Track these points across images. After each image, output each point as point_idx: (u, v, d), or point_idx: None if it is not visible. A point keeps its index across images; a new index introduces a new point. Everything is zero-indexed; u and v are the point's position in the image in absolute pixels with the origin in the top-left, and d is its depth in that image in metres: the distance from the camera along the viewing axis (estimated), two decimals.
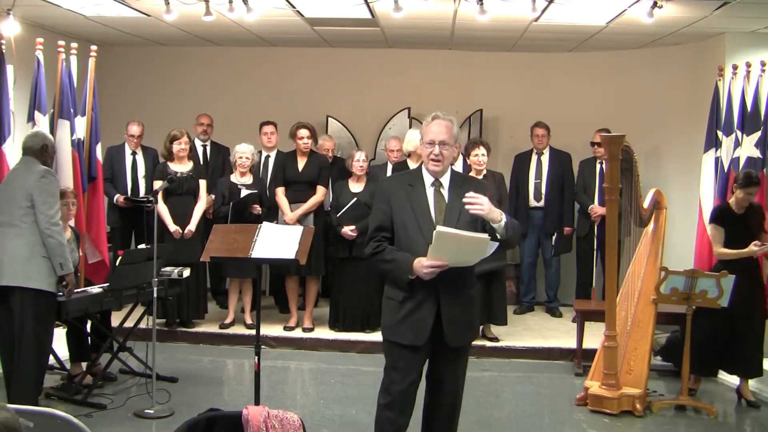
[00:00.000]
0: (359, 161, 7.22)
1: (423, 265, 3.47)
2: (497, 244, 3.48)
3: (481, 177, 6.84)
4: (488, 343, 7.08)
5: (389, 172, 7.53)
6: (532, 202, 8.25)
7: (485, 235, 3.44)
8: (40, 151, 5.15)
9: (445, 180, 3.72)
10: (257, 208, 7.13)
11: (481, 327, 7.18)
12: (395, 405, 3.71)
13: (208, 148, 8.21)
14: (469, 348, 3.86)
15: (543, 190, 8.21)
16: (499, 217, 3.48)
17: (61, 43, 6.49)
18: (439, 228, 3.43)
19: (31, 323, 4.89)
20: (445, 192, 3.69)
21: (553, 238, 8.30)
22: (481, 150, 6.87)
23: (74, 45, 6.65)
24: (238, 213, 7.07)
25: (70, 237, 5.73)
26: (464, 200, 3.47)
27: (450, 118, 3.71)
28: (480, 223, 3.58)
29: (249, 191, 7.19)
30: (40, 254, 4.92)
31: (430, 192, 3.69)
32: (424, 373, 3.82)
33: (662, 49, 8.15)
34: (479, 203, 3.45)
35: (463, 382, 3.84)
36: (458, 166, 7.83)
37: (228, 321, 7.43)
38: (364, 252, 3.81)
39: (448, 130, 3.67)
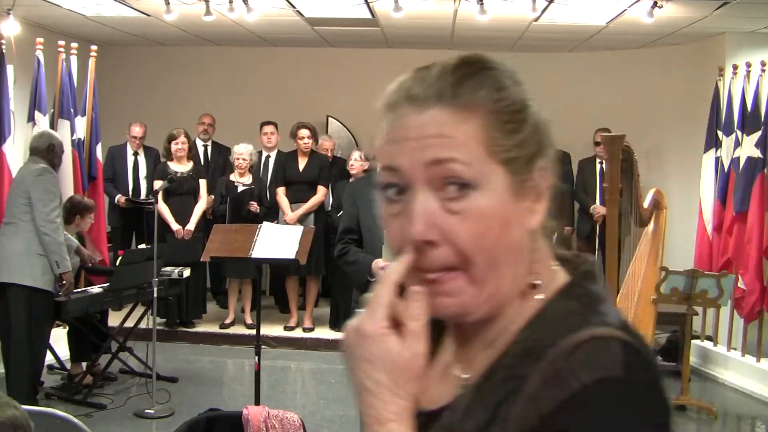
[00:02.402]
0: (351, 160, 7.22)
1: (378, 266, 3.36)
2: None
3: None
4: None
5: None
6: None
7: None
8: (46, 150, 5.17)
9: None
10: (254, 205, 7.13)
11: None
12: None
13: (209, 148, 8.22)
14: None
15: None
16: None
17: (62, 43, 6.49)
18: None
19: (24, 321, 4.90)
20: None
21: (553, 238, 8.29)
22: None
23: (74, 45, 6.65)
24: (235, 210, 7.08)
25: (74, 237, 5.74)
26: None
27: None
28: None
29: (245, 186, 7.21)
30: (36, 252, 4.93)
31: None
32: None
33: (662, 49, 8.14)
34: None
35: None
36: None
37: (228, 321, 7.44)
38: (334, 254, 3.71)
39: None
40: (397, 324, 0.88)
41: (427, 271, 0.87)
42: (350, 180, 7.28)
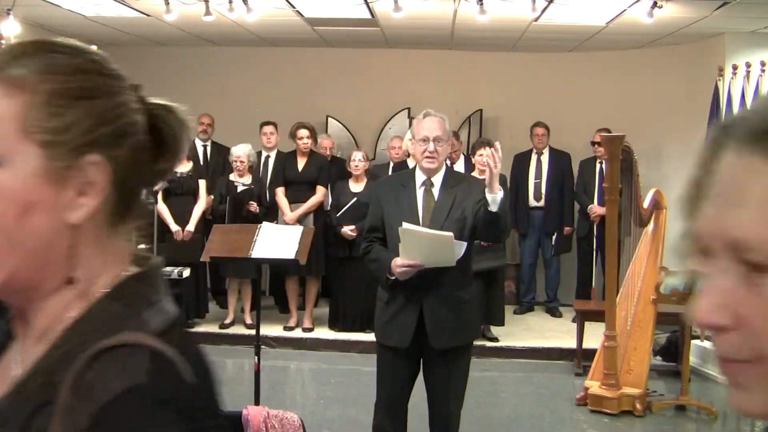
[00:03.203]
0: (355, 161, 7.22)
1: (396, 264, 3.42)
2: (465, 243, 3.40)
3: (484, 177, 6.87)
4: (488, 343, 7.08)
5: (390, 172, 7.56)
6: (532, 202, 8.24)
7: (449, 233, 3.38)
8: None
9: (438, 179, 3.62)
10: (254, 205, 7.13)
11: (480, 327, 7.19)
12: (383, 408, 3.65)
13: (209, 148, 8.22)
14: (464, 351, 3.67)
15: (543, 190, 8.21)
16: (497, 190, 3.40)
17: None
18: (404, 225, 3.39)
19: None
20: (435, 191, 3.60)
21: (553, 237, 8.30)
22: (487, 151, 6.87)
23: None
24: (234, 209, 7.07)
25: None
26: (486, 155, 3.39)
27: (441, 116, 3.64)
28: (468, 224, 3.50)
29: (245, 186, 7.22)
30: None
31: (420, 192, 3.61)
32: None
33: (662, 49, 8.15)
34: (495, 160, 3.38)
35: (459, 388, 3.66)
36: (460, 165, 7.84)
37: (228, 321, 7.43)
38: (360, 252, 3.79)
39: (441, 126, 3.59)
40: None
41: None
42: (350, 179, 7.29)
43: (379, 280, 3.65)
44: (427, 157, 3.56)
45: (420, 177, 3.64)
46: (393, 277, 3.46)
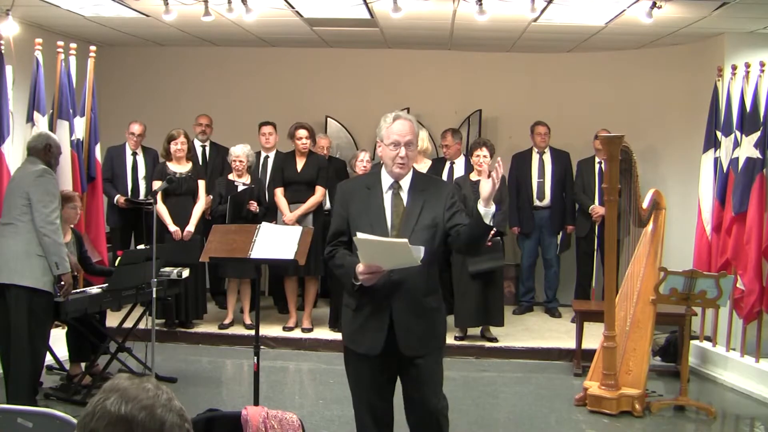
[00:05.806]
0: (363, 161, 7.21)
1: (359, 271, 3.32)
2: (423, 248, 3.25)
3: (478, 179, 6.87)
4: (487, 344, 7.08)
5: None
6: (535, 202, 8.22)
7: (404, 240, 3.23)
8: (43, 151, 5.18)
9: (406, 182, 3.50)
10: (254, 205, 7.13)
11: (479, 328, 7.19)
12: (368, 415, 3.57)
13: (207, 149, 8.21)
14: (434, 358, 3.54)
15: (546, 190, 8.21)
16: (491, 205, 3.25)
17: (60, 43, 6.49)
18: (359, 235, 3.29)
19: (25, 321, 4.90)
20: (404, 195, 3.48)
21: (559, 237, 8.30)
22: (483, 151, 6.88)
23: (73, 45, 6.65)
24: (234, 209, 7.06)
25: (71, 239, 5.74)
26: (490, 168, 3.26)
27: (410, 117, 3.51)
28: (440, 228, 3.42)
29: (245, 186, 7.22)
30: (35, 253, 4.93)
31: (387, 195, 3.49)
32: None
33: (661, 50, 8.15)
34: (497, 176, 3.21)
35: (435, 394, 3.54)
36: (460, 165, 7.84)
37: (227, 321, 7.43)
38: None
39: (412, 129, 3.45)
40: None
41: None
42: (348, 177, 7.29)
43: (344, 287, 3.54)
44: (399, 163, 3.43)
45: (387, 180, 3.51)
46: (359, 283, 3.36)
